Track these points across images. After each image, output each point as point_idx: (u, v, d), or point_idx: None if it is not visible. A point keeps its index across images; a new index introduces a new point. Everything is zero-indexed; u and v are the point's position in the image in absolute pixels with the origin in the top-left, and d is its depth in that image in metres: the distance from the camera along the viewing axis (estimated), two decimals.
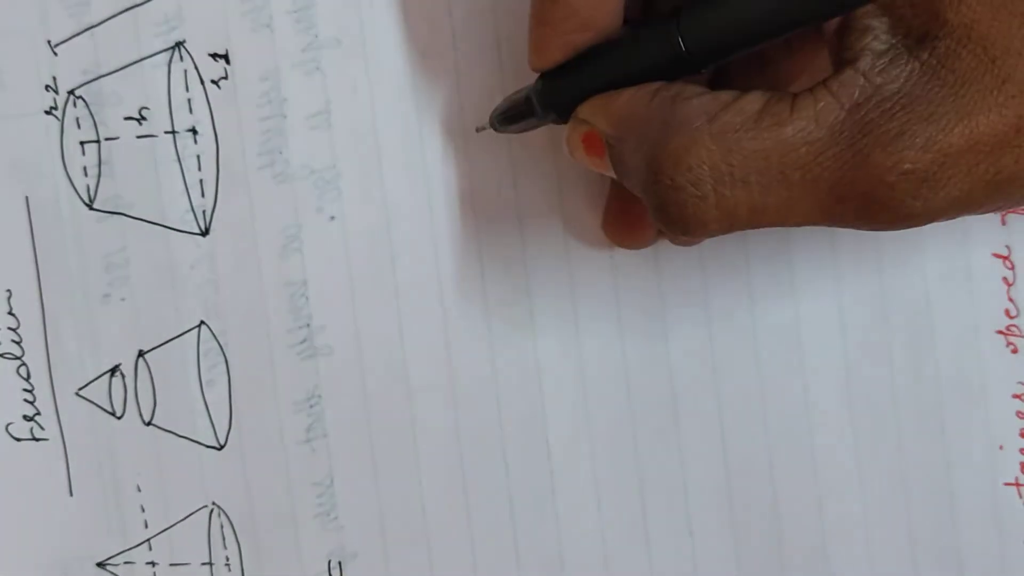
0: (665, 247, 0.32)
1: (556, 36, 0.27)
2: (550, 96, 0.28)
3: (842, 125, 0.23)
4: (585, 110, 0.27)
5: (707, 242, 0.32)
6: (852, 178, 0.23)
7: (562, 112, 0.28)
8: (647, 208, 0.29)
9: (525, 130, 0.30)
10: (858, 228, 0.24)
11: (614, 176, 0.27)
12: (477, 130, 0.32)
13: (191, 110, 0.33)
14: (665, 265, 0.33)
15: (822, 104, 0.23)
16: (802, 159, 0.23)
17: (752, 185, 0.23)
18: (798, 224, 0.24)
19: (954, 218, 0.24)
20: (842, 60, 0.24)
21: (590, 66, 0.27)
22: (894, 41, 0.23)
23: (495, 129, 0.30)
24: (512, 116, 0.30)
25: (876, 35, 0.23)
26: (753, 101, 0.24)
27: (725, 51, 0.25)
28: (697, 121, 0.24)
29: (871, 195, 0.23)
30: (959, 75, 0.22)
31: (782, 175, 0.23)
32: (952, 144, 0.22)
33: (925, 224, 0.23)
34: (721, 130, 0.24)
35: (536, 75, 0.28)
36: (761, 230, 0.30)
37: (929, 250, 0.32)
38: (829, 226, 0.24)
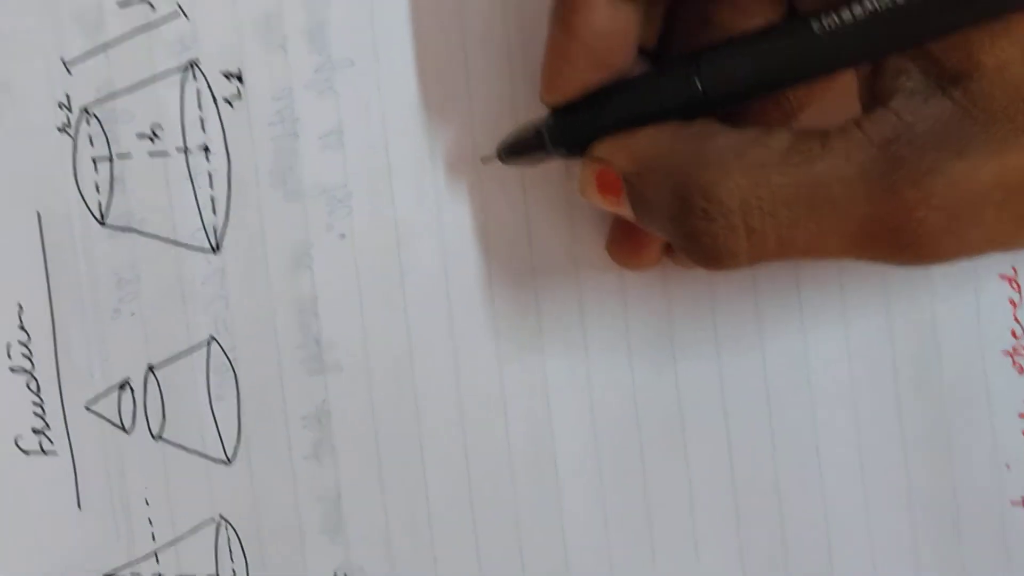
0: (674, 269, 0.33)
1: (571, 73, 0.27)
2: (562, 132, 0.28)
3: (873, 162, 0.23)
4: (602, 149, 0.27)
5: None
6: (882, 214, 0.23)
7: (573, 148, 0.28)
8: (660, 237, 0.29)
9: (532, 163, 0.30)
10: (887, 263, 0.24)
11: (627, 215, 0.27)
12: (483, 161, 0.32)
13: (204, 128, 0.33)
14: (674, 288, 0.33)
15: (853, 141, 0.23)
16: (832, 195, 0.23)
17: (781, 219, 0.24)
18: (827, 258, 0.24)
19: (984, 254, 0.24)
20: (874, 99, 0.24)
21: (605, 104, 0.27)
22: (927, 80, 0.23)
23: (501, 161, 0.31)
24: (520, 149, 0.30)
25: (909, 75, 0.23)
26: (781, 138, 0.24)
27: (744, 96, 0.26)
28: (726, 156, 0.24)
29: (901, 231, 0.23)
30: (991, 114, 0.22)
31: (812, 210, 0.23)
32: (983, 182, 0.22)
33: (955, 260, 0.23)
34: (750, 165, 0.24)
35: (545, 108, 0.29)
36: None
37: (935, 271, 0.32)
38: (858, 260, 0.24)
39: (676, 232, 0.25)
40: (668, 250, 0.31)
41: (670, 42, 0.29)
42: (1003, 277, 0.32)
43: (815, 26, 0.24)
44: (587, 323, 0.33)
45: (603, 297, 0.33)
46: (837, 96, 0.26)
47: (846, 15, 0.23)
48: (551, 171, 0.32)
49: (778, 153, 0.24)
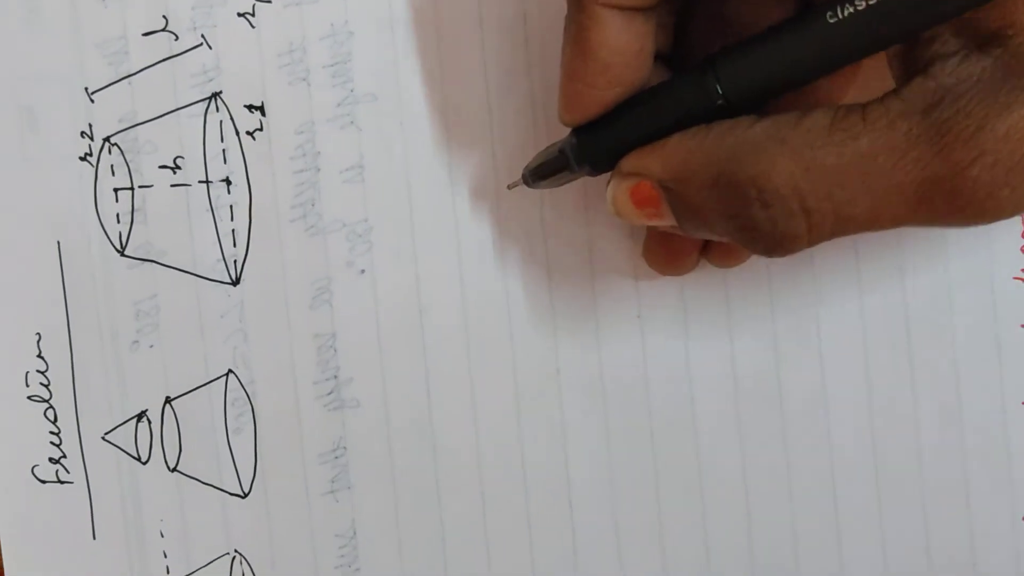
0: (694, 305, 0.32)
1: (587, 92, 0.27)
2: (586, 150, 0.28)
3: (919, 128, 0.23)
4: (631, 163, 0.26)
5: (735, 306, 0.32)
6: (936, 177, 0.23)
7: (598, 165, 0.28)
8: (691, 239, 0.28)
9: (558, 184, 0.30)
10: (947, 226, 0.24)
11: (671, 225, 0.27)
12: (509, 187, 0.32)
13: (225, 160, 0.33)
14: (693, 325, 0.33)
15: (894, 111, 0.23)
16: (882, 167, 0.23)
17: (836, 198, 0.23)
18: (886, 228, 0.24)
19: None
20: (911, 70, 0.24)
21: (626, 119, 0.27)
22: (961, 41, 0.23)
23: (528, 185, 0.30)
24: (545, 171, 0.30)
25: (944, 40, 0.23)
26: (820, 117, 0.24)
27: (765, 96, 0.25)
28: (767, 144, 0.24)
29: (957, 191, 0.23)
30: None
31: (864, 185, 0.23)
32: None
33: (1015, 214, 0.23)
34: (795, 149, 0.23)
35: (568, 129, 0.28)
36: (787, 281, 0.30)
37: (958, 321, 0.32)
38: (918, 226, 0.24)
39: (732, 227, 0.25)
40: (705, 251, 0.31)
41: (686, 45, 0.29)
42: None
43: (829, 16, 0.23)
44: (605, 360, 0.33)
45: (622, 333, 0.33)
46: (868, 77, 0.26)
47: (859, 3, 0.23)
48: (571, 206, 0.32)
49: (821, 133, 0.23)
